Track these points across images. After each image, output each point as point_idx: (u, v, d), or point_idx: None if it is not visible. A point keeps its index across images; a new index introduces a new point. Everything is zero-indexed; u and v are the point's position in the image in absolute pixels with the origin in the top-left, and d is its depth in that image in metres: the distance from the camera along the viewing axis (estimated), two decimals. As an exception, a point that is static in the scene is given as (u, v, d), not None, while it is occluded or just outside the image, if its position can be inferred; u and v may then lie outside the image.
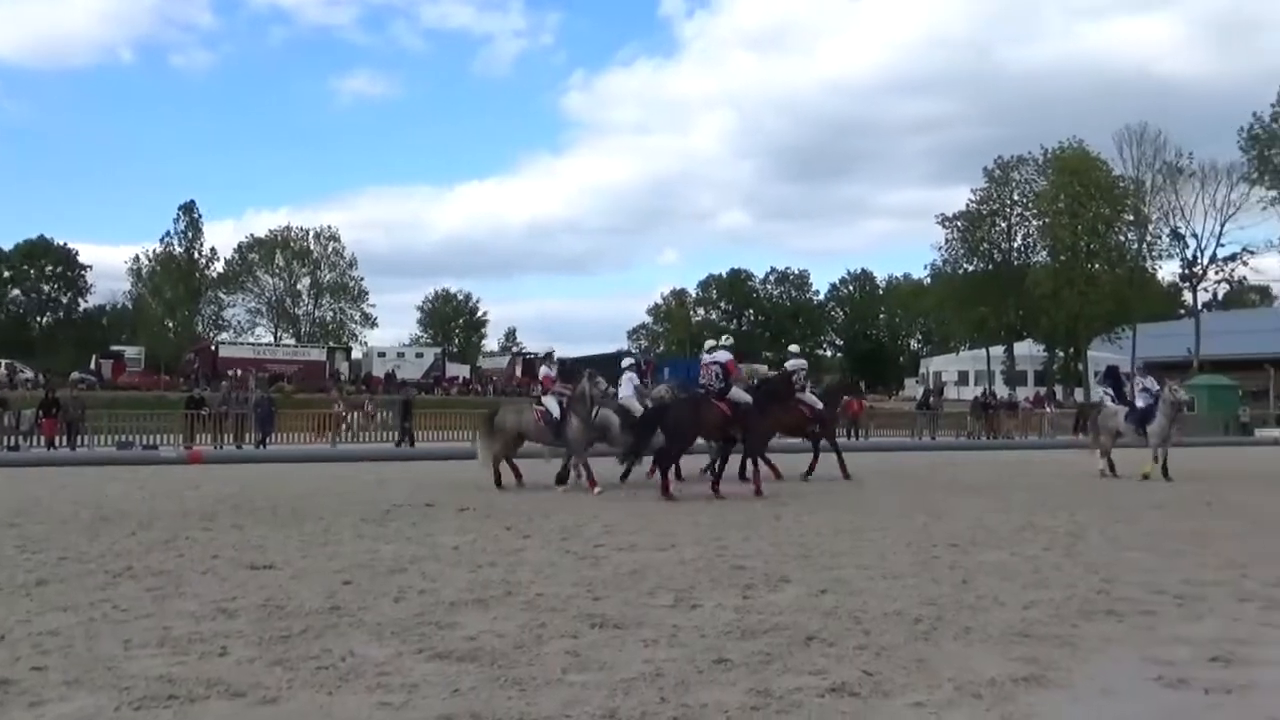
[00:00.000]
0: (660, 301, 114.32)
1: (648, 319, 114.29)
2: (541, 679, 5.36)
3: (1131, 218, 61.75)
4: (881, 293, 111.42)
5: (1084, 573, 8.66)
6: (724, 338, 16.49)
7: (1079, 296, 58.57)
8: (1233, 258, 60.16)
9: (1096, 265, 61.31)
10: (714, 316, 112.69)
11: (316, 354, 64.09)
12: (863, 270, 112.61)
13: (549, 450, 17.04)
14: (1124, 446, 20.31)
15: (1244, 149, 57.68)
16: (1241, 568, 9.06)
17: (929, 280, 74.93)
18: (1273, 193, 56.94)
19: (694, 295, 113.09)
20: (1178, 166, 60.03)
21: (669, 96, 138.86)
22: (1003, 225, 66.82)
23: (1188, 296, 65.88)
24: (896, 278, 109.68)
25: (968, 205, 66.84)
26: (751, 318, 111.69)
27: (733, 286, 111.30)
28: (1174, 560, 9.43)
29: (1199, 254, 60.83)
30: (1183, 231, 61.11)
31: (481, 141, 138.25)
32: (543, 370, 17.62)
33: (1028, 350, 68.19)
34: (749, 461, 16.16)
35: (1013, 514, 12.97)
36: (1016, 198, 66.67)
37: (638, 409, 16.17)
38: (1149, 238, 62.27)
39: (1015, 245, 67.46)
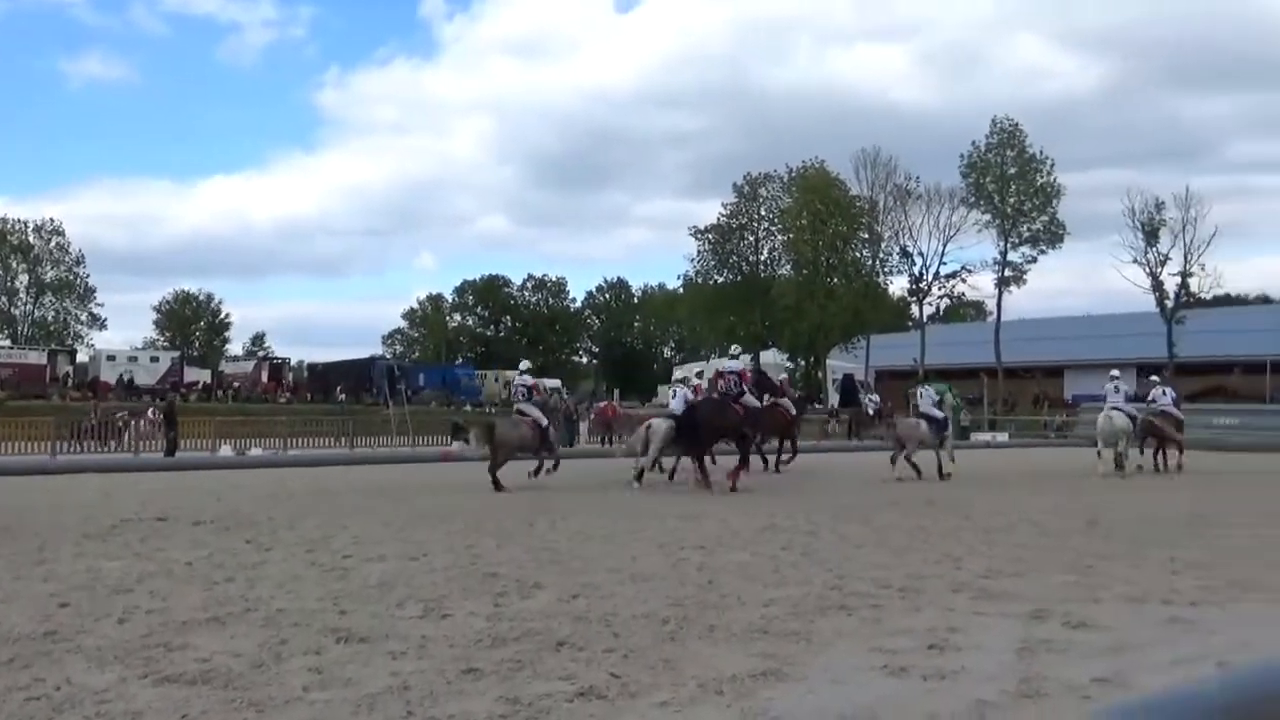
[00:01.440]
0: (416, 306, 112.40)
1: (403, 324, 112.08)
2: (280, 698, 5.12)
3: (866, 235, 65.56)
4: (637, 301, 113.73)
5: (819, 570, 9.12)
6: (734, 348, 20.24)
7: (819, 308, 61.76)
8: (953, 275, 64.85)
9: (835, 279, 64.77)
10: (470, 322, 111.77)
11: (36, 356, 58.92)
12: (619, 279, 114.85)
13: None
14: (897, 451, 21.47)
15: (963, 175, 62.63)
16: (956, 560, 9.81)
17: (682, 289, 77.19)
18: (986, 216, 62.10)
19: (450, 300, 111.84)
20: (906, 189, 64.25)
21: (428, 98, 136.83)
22: (751, 239, 69.64)
23: (915, 310, 70.54)
24: (651, 286, 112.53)
25: (719, 218, 69.29)
26: (508, 324, 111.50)
27: (490, 292, 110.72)
28: (900, 556, 10.09)
29: (925, 271, 65.25)
30: (911, 250, 65.35)
31: (227, 135, 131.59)
32: (528, 379, 19.12)
33: (773, 359, 71.19)
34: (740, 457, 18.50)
35: (757, 516, 13.49)
36: (764, 213, 69.64)
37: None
38: (881, 254, 66.28)
39: (762, 258, 70.45)
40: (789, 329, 64.83)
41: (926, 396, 21.92)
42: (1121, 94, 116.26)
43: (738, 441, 18.26)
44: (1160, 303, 59.80)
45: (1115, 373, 25.45)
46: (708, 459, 18.68)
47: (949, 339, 75.27)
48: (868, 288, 64.97)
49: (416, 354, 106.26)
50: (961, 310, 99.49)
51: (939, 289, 66.10)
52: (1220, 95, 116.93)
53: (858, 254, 66.55)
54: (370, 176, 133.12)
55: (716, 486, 17.24)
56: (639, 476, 18.38)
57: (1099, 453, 23.19)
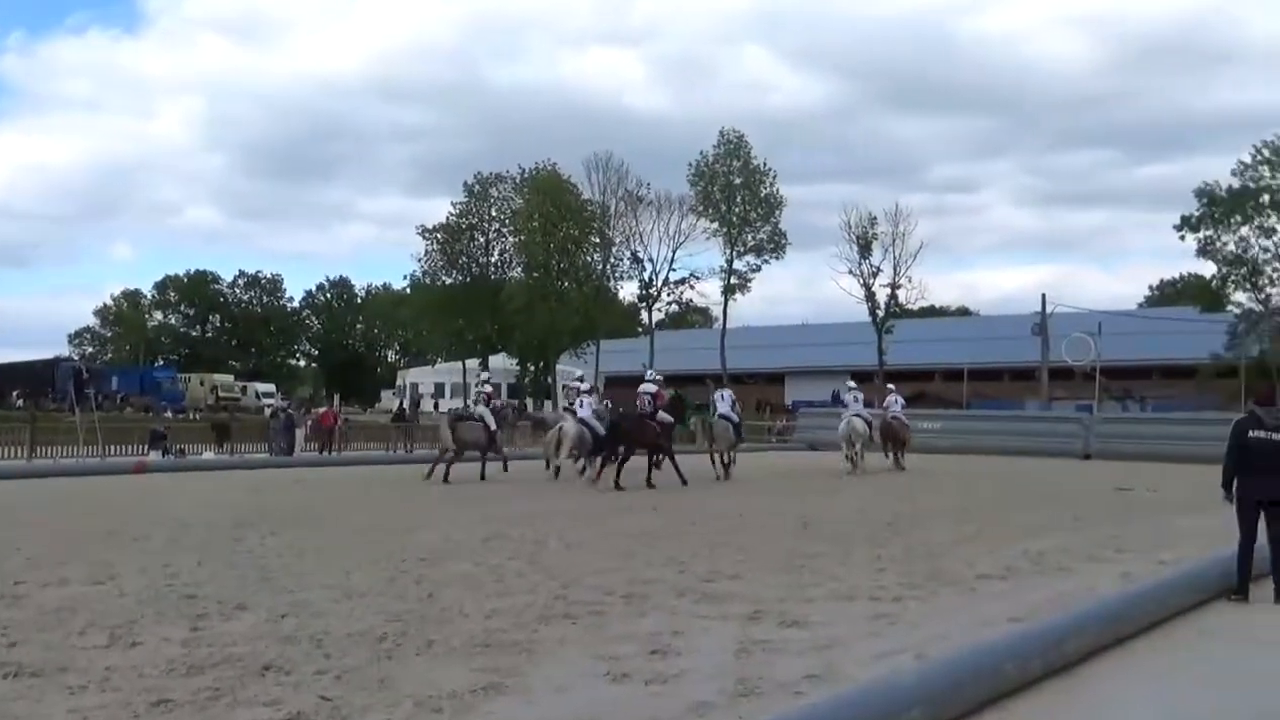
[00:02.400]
0: (110, 303, 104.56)
1: (95, 321, 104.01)
2: (-70, 747, 4.60)
3: (597, 240, 66.61)
4: (360, 302, 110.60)
5: (544, 579, 9.17)
6: (650, 372, 22.61)
7: (550, 311, 62.15)
8: (682, 281, 66.99)
9: (566, 283, 65.40)
10: (174, 321, 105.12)
11: None
12: (341, 278, 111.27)
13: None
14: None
15: (692, 183, 64.84)
16: (681, 564, 10.13)
17: (408, 290, 75.76)
18: (714, 224, 64.53)
19: (151, 297, 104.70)
20: (638, 195, 65.84)
21: (128, 74, 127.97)
22: (481, 240, 69.23)
23: (645, 315, 72.30)
24: (376, 287, 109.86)
25: (448, 218, 68.44)
26: (217, 324, 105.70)
27: (197, 289, 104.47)
28: (625, 561, 10.30)
29: (654, 277, 67.09)
30: (641, 255, 67.04)
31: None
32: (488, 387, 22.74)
33: (502, 363, 71.10)
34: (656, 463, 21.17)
35: (483, 526, 13.41)
36: (495, 214, 69.38)
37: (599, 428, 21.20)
38: (613, 259, 67.51)
39: (493, 260, 70.16)
40: (519, 332, 64.93)
41: (725, 399, 23.98)
42: (843, 112, 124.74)
43: (652, 452, 21.25)
44: (872, 312, 64.08)
45: (852, 384, 28.21)
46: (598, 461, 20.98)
47: (677, 345, 77.87)
48: (598, 292, 66.07)
49: (110, 355, 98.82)
50: (690, 317, 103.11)
51: (668, 295, 68.18)
52: (926, 118, 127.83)
53: (589, 258, 67.50)
54: (58, 156, 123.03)
55: (601, 483, 19.73)
56: (556, 474, 21.53)
57: (846, 456, 25.60)
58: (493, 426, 21.75)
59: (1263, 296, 56.64)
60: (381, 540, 11.77)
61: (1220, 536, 10.42)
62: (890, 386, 30.92)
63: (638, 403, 21.37)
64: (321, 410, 38.50)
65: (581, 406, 22.07)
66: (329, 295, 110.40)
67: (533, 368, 69.97)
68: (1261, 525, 8.78)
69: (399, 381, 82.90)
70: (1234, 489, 8.84)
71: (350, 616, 7.44)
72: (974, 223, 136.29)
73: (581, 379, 25.74)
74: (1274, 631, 7.96)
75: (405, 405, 52.61)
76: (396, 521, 13.79)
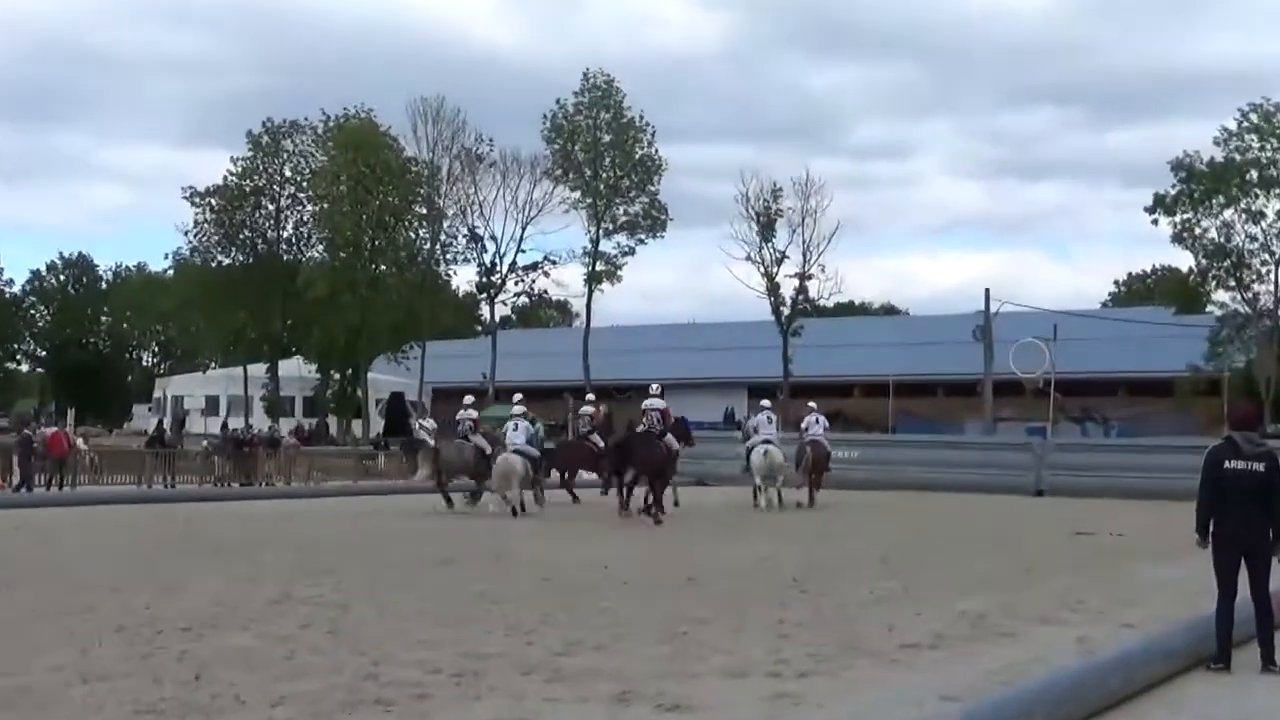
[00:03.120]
0: None
1: None
2: None
3: (425, 211, 66.11)
4: (106, 287, 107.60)
5: (350, 654, 9.06)
6: (655, 385, 26.04)
7: (361, 303, 61.29)
8: (534, 267, 66.94)
9: (383, 266, 64.70)
10: None
11: None
12: (80, 255, 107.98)
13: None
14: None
15: (547, 140, 64.74)
16: (528, 633, 10.12)
17: (171, 273, 73.91)
18: (575, 194, 64.48)
19: None
20: (478, 154, 65.48)
21: None
22: (270, 208, 68.00)
23: (485, 310, 72.02)
24: (128, 268, 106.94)
25: (227, 178, 66.96)
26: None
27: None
28: (456, 630, 10.25)
29: (499, 260, 66.84)
30: (481, 232, 66.70)
31: None
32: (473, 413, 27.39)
33: (295, 370, 69.89)
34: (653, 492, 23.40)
35: (266, 583, 13.16)
36: (290, 174, 68.17)
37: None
38: (444, 237, 67.10)
39: (286, 234, 69.05)
40: (319, 330, 63.87)
41: (522, 429, 25.21)
42: (742, 56, 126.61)
43: (654, 478, 23.42)
44: (776, 310, 64.94)
45: (765, 402, 29.61)
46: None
47: (527, 348, 77.81)
48: (425, 279, 65.59)
49: None
50: (544, 312, 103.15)
51: (516, 283, 68.16)
52: (845, 66, 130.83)
53: (413, 234, 66.97)
54: None
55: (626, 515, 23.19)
56: (515, 511, 24.05)
57: (756, 489, 26.98)
58: (488, 449, 25.68)
59: (1249, 295, 58.85)
60: (131, 602, 11.45)
61: (1198, 591, 10.89)
62: (811, 405, 32.05)
63: (644, 421, 24.23)
64: (50, 431, 37.16)
65: (515, 430, 24.99)
66: (62, 278, 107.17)
67: (337, 376, 68.93)
68: (1244, 577, 9.12)
69: (157, 393, 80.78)
70: (1210, 533, 9.16)
71: (85, 707, 7.23)
72: (904, 198, 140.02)
73: (518, 399, 27.87)
74: (1262, 707, 8.33)
75: (166, 425, 51.27)
76: (152, 577, 13.44)
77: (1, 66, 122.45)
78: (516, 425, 25.17)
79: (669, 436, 23.97)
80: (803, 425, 30.06)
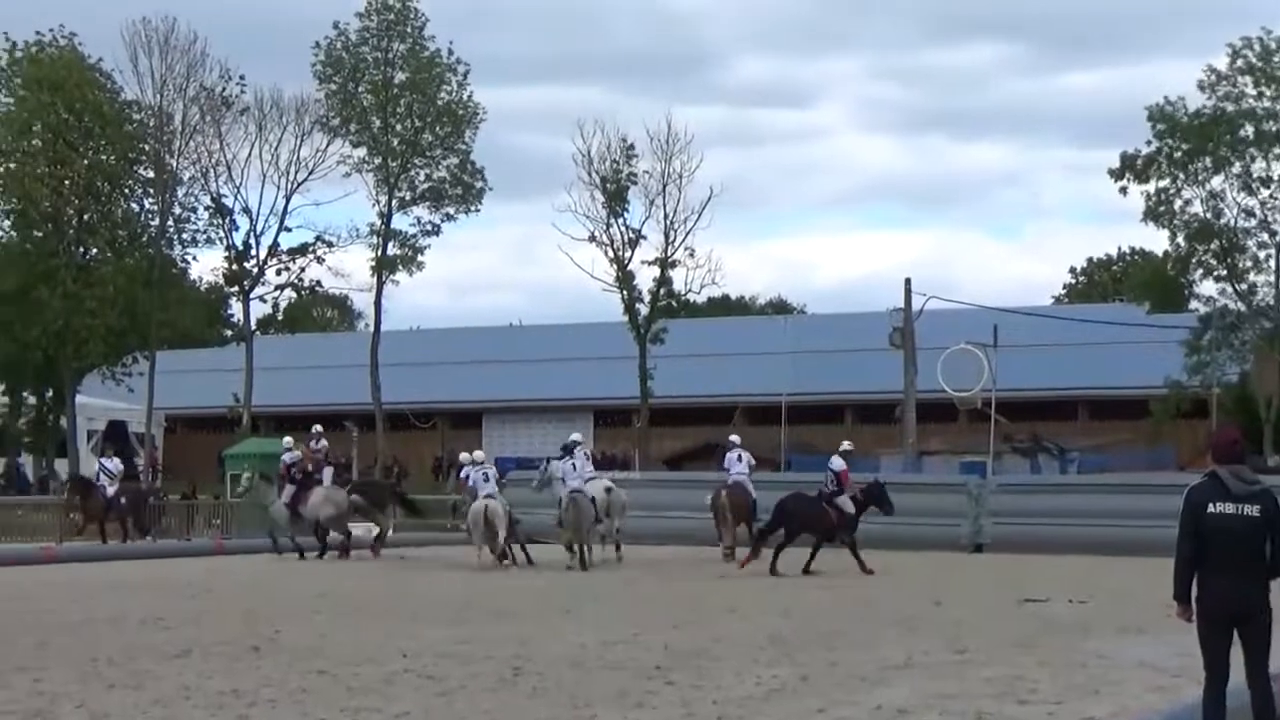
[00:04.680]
0: None
1: None
2: None
3: (151, 174, 64.97)
4: None
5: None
6: (845, 443, 30.94)
7: (66, 300, 60.06)
8: (303, 250, 66.09)
9: (94, 249, 63.42)
10: None
11: None
12: None
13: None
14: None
15: (320, 79, 63.87)
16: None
17: None
18: (360, 152, 63.82)
19: None
20: (224, 98, 64.40)
21: None
22: (-65, 167, 66.41)
23: (235, 309, 71.02)
24: None
25: None
26: None
27: None
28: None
29: (254, 241, 65.89)
30: (231, 203, 65.74)
31: None
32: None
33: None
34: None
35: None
36: (-37, 122, 66.70)
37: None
38: (179, 209, 65.99)
39: (-44, 205, 67.45)
40: (5, 336, 62.42)
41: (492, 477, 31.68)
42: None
43: (823, 537, 28.68)
44: (630, 308, 64.84)
45: (735, 438, 33.44)
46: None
47: (293, 358, 77.12)
48: (154, 266, 64.48)
49: None
50: (318, 312, 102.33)
51: (279, 272, 67.26)
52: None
53: (135, 206, 65.81)
54: None
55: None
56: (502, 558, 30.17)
57: (571, 546, 30.23)
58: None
59: (1243, 288, 59.84)
60: None
61: (1179, 674, 11.19)
62: (734, 439, 34.41)
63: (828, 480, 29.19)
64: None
65: (578, 467, 30.60)
66: None
67: (33, 400, 67.45)
68: (1237, 656, 9.28)
69: (471, 458, 78.08)
70: (1193, 597, 9.30)
71: None
72: (799, 159, 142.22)
73: (578, 442, 32.25)
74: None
75: None
76: None
77: None
78: (486, 475, 31.29)
79: (841, 499, 28.60)
80: (724, 463, 32.87)
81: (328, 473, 34.53)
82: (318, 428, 37.62)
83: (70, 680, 13.42)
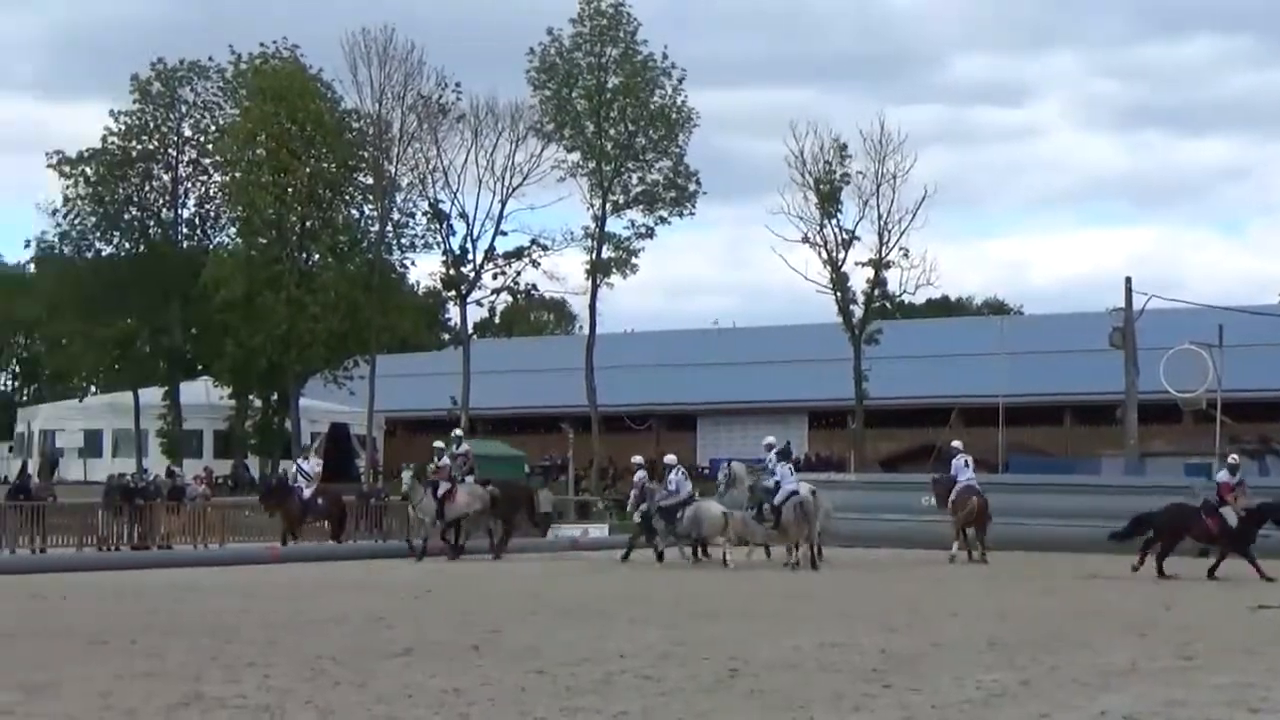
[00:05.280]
0: None
1: None
2: None
3: (370, 181, 66.08)
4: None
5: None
6: (1233, 456, 31.90)
7: (288, 305, 61.22)
8: (519, 254, 66.76)
9: (316, 255, 64.66)
10: None
11: None
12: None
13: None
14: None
15: (535, 85, 64.65)
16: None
17: (33, 268, 74.01)
18: (574, 156, 64.41)
19: None
20: (441, 105, 65.32)
21: None
22: (165, 178, 68.10)
23: (454, 312, 71.93)
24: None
25: (106, 138, 67.01)
26: None
27: None
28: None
29: (471, 246, 66.67)
30: (447, 209, 66.62)
31: None
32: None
33: (203, 396, 69.92)
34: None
35: (169, 680, 13.33)
36: (190, 133, 68.29)
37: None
38: (398, 215, 67.02)
39: (186, 214, 69.19)
40: (232, 341, 63.93)
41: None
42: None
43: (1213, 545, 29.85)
44: (845, 309, 64.59)
45: (958, 443, 35.33)
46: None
47: (509, 362, 77.98)
48: (374, 272, 65.58)
49: None
50: (534, 315, 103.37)
51: (495, 276, 68.00)
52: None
53: (355, 212, 67.01)
54: None
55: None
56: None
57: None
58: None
59: None
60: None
61: None
62: (957, 445, 36.19)
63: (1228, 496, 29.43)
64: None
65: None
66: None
67: (258, 403, 68.98)
68: None
69: (20, 427, 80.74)
70: None
71: None
72: (1016, 158, 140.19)
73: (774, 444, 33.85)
74: None
75: (31, 469, 51.43)
76: (16, 672, 13.51)
77: None
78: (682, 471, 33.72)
79: (1226, 509, 29.14)
80: (951, 471, 34.47)
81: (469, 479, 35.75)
82: (457, 432, 39.32)
83: (297, 677, 13.68)
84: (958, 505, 33.45)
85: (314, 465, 40.05)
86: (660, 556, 32.92)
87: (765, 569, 30.92)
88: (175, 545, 39.54)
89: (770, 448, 32.86)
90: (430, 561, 33.78)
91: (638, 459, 35.61)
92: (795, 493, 30.92)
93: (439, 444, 37.68)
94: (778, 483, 31.27)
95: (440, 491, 34.62)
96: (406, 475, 36.73)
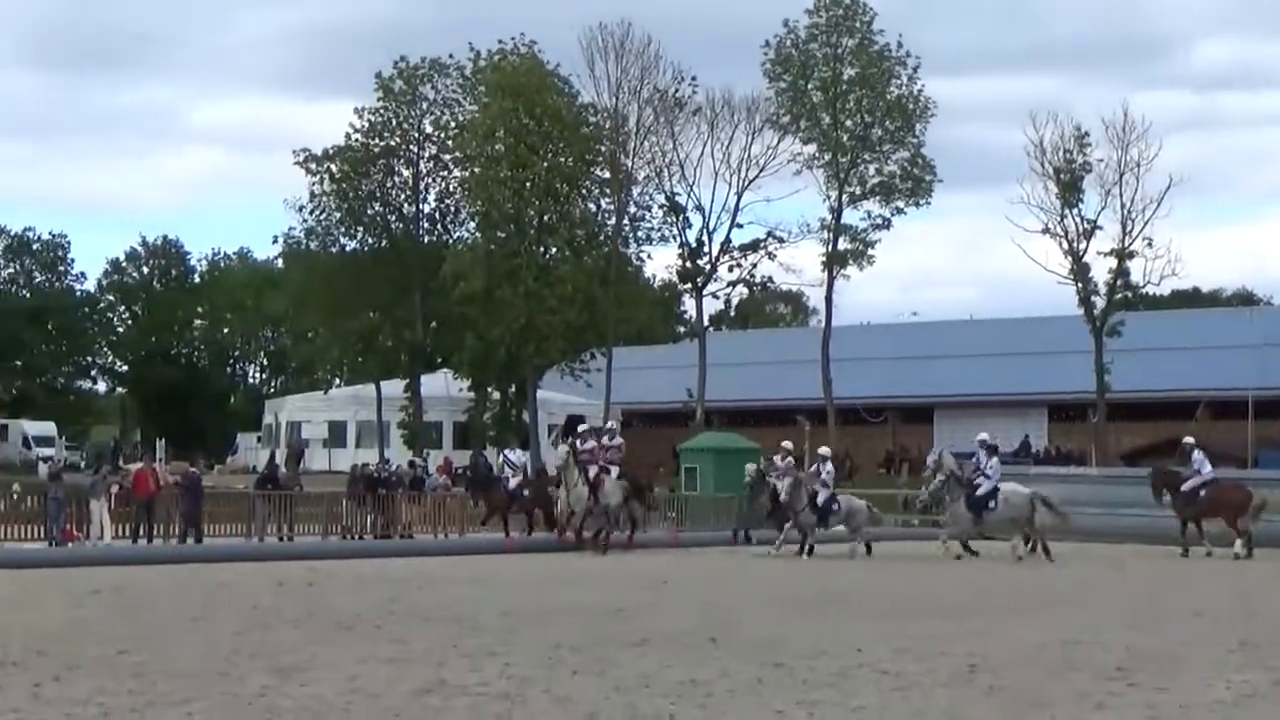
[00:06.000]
0: None
1: None
2: None
3: (607, 174, 66.53)
4: (199, 281, 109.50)
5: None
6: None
7: (526, 299, 61.89)
8: (754, 246, 66.71)
9: (554, 249, 65.25)
10: None
11: None
12: (166, 240, 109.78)
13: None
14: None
15: (770, 77, 64.58)
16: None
17: (281, 263, 75.71)
18: (810, 148, 64.15)
19: None
20: (677, 98, 65.61)
21: None
22: (407, 174, 69.31)
23: (689, 305, 72.09)
24: (227, 256, 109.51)
25: (350, 135, 68.42)
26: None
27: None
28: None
29: (707, 238, 66.81)
30: (683, 202, 66.81)
31: None
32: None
33: (442, 388, 70.97)
34: None
35: (412, 666, 13.55)
36: (431, 130, 69.38)
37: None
38: (634, 208, 67.43)
39: (427, 209, 70.33)
40: (472, 334, 64.81)
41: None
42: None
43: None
44: (1086, 301, 63.47)
45: (1190, 439, 35.30)
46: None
47: (745, 354, 77.90)
48: (610, 265, 66.00)
49: None
50: (769, 307, 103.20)
51: (730, 268, 68.06)
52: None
53: (593, 206, 67.49)
54: None
55: None
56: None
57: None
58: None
59: None
60: (240, 690, 11.85)
61: None
62: (1189, 440, 35.63)
63: None
64: (135, 468, 38.61)
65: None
66: (147, 270, 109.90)
67: (497, 395, 69.85)
68: None
69: (268, 418, 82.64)
70: None
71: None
72: (1264, 143, 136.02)
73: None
74: None
75: (279, 459, 52.61)
76: (266, 656, 13.85)
77: (63, 10, 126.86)
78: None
79: None
80: (1195, 466, 33.97)
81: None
82: (612, 424, 39.09)
83: (536, 665, 13.84)
84: (1220, 498, 33.28)
85: (519, 455, 40.37)
86: (810, 551, 33.16)
87: (1000, 564, 30.50)
88: (416, 534, 40.23)
89: (983, 444, 33.31)
90: (655, 554, 34.05)
91: (787, 444, 35.46)
92: (996, 490, 31.65)
93: (584, 427, 38.73)
94: (977, 478, 32.14)
95: (592, 475, 34.43)
96: (562, 449, 36.36)
